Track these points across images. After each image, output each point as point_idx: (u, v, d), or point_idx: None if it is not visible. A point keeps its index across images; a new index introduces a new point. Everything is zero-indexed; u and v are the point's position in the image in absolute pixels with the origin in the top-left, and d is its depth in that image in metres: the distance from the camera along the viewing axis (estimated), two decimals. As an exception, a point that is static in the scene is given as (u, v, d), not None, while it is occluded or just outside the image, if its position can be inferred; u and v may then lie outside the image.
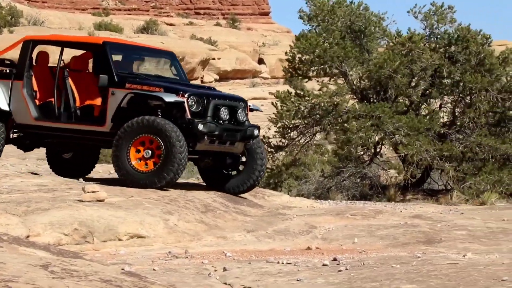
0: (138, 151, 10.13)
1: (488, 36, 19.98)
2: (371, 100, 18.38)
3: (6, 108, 11.06)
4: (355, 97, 19.10)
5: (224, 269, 7.13)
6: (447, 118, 19.29)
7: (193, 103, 10.23)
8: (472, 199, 15.91)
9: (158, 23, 65.52)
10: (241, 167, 11.09)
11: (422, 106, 19.12)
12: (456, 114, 18.82)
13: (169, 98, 10.10)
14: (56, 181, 10.31)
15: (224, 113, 10.53)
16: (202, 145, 10.33)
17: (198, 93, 10.48)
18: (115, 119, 10.36)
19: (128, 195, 9.63)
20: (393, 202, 16.13)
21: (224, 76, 52.90)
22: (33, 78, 11.17)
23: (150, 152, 10.12)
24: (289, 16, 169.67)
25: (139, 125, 10.02)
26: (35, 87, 11.20)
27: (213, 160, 10.83)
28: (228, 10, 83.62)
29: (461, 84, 18.22)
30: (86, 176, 11.87)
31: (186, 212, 9.51)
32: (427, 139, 17.13)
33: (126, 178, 10.21)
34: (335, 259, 7.55)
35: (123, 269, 6.82)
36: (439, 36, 19.92)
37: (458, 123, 18.57)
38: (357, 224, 10.32)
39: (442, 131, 18.17)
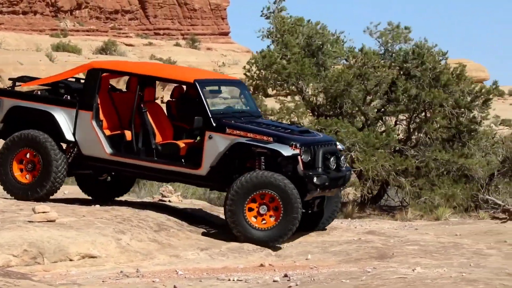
0: (251, 209, 9.74)
1: (444, 53, 20.29)
2: (327, 117, 18.53)
3: (71, 138, 10.53)
4: (311, 113, 19.24)
5: (175, 287, 7.10)
6: (402, 135, 19.49)
7: (306, 155, 9.84)
8: (426, 215, 16.08)
9: (117, 43, 65.47)
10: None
11: (378, 124, 19.30)
12: (411, 129, 19.03)
13: (286, 151, 9.68)
14: (7, 203, 10.18)
15: (332, 162, 10.11)
16: (311, 195, 9.98)
17: (308, 142, 10.01)
18: (214, 165, 9.96)
19: (79, 215, 9.55)
20: (349, 218, 16.20)
21: (184, 96, 52.84)
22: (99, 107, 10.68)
23: (266, 207, 9.73)
24: (248, 36, 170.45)
25: (253, 181, 9.61)
26: (101, 116, 10.68)
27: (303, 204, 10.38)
28: (188, 30, 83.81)
29: (417, 99, 18.44)
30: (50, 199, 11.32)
31: (139, 231, 9.45)
32: (383, 154, 17.29)
33: (244, 238, 9.75)
34: (286, 276, 7.56)
35: (71, 289, 6.78)
36: (393, 54, 20.17)
37: (414, 139, 18.80)
38: (311, 241, 10.34)
39: (398, 147, 18.35)
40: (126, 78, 11.45)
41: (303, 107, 18.89)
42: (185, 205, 12.42)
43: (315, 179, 9.74)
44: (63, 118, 10.52)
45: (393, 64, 19.55)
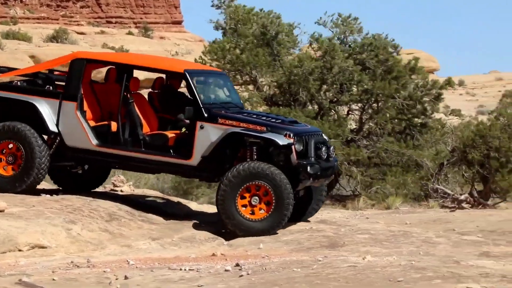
0: (243, 200, 9.72)
1: (397, 45, 20.50)
2: (280, 106, 18.59)
3: (54, 129, 10.34)
4: (265, 103, 19.29)
5: (126, 277, 7.07)
6: (355, 125, 19.65)
7: (299, 144, 9.84)
8: (378, 204, 16.24)
9: (68, 32, 64.69)
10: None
11: (331, 113, 19.42)
12: (364, 120, 19.19)
13: (281, 140, 9.67)
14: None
15: (323, 152, 10.13)
16: (303, 185, 9.98)
17: (300, 132, 10.03)
18: (206, 155, 9.91)
19: (29, 205, 9.45)
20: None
21: (136, 85, 52.48)
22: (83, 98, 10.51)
23: (258, 199, 9.68)
24: (202, 25, 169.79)
25: (246, 173, 9.58)
26: (85, 107, 10.52)
27: None
28: (141, 19, 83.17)
29: (370, 91, 18.60)
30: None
31: (90, 221, 9.39)
32: (336, 144, 17.40)
33: (235, 229, 9.73)
34: (237, 265, 7.58)
35: (20, 279, 6.71)
36: (348, 45, 20.31)
37: (366, 130, 18.96)
38: (263, 230, 10.35)
39: (350, 137, 18.49)
40: (101, 70, 11.35)
41: (257, 96, 18.92)
42: (137, 195, 12.36)
43: (308, 169, 9.74)
44: (46, 109, 10.34)
45: (348, 55, 19.67)
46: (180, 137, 10.40)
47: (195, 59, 20.34)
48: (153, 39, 73.37)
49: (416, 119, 19.28)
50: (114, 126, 10.42)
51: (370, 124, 19.08)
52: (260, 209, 9.70)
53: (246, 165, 9.63)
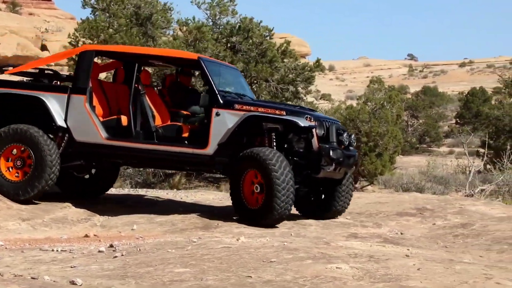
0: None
1: (271, 29, 20.74)
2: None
3: (63, 124, 9.85)
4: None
5: (-5, 259, 6.88)
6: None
7: (320, 129, 9.42)
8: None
9: None
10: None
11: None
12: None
13: (303, 122, 9.24)
14: None
15: (345, 138, 9.76)
16: (324, 172, 9.43)
17: (320, 117, 9.63)
18: (222, 142, 9.47)
19: None
20: (175, 189, 16.30)
21: (4, 62, 50.80)
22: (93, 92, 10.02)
23: (259, 187, 9.21)
24: (73, 2, 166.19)
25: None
26: (94, 102, 10.04)
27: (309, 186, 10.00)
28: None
29: (243, 74, 18.76)
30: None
31: (-44, 201, 9.08)
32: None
33: (241, 217, 9.42)
34: (111, 246, 7.53)
35: None
36: (221, 27, 20.38)
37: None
38: (136, 211, 10.32)
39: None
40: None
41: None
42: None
43: (331, 153, 9.34)
44: (54, 104, 9.88)
45: (220, 37, 19.76)
46: (195, 128, 10.03)
47: (69, 35, 19.88)
48: (22, 16, 71.09)
49: (289, 103, 19.59)
50: (124, 120, 10.05)
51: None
52: (261, 197, 9.25)
53: (249, 150, 9.20)
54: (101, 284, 5.54)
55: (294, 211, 10.20)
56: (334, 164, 9.39)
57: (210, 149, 9.54)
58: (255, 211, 9.21)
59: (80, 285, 5.49)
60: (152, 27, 19.98)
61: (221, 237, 8.20)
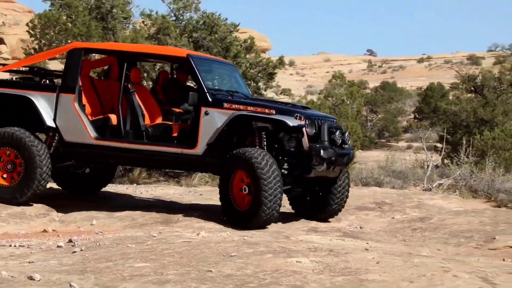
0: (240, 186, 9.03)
1: (236, 24, 20.73)
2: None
3: (52, 124, 9.62)
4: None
5: (-49, 255, 6.80)
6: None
7: (311, 128, 9.18)
8: (212, 181, 16.41)
9: None
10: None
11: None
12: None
13: (292, 122, 8.98)
14: None
15: (337, 137, 9.44)
16: (316, 172, 9.19)
17: (311, 115, 9.33)
18: (211, 142, 9.24)
19: None
20: (135, 184, 16.22)
21: (-40, 55, 50.09)
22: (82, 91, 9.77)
23: (247, 188, 8.92)
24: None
25: (235, 158, 8.91)
26: (83, 101, 9.81)
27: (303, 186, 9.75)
28: (-35, -15, 79.18)
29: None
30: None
31: None
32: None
33: (229, 219, 9.13)
34: (70, 241, 7.48)
35: None
36: (184, 22, 20.30)
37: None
38: (95, 206, 10.27)
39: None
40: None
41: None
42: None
43: (322, 152, 9.11)
44: (42, 104, 9.67)
45: (184, 32, 19.68)
46: (185, 127, 9.85)
47: (27, 25, 19.63)
48: (-21, 8, 70.02)
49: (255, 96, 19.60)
50: (114, 119, 9.84)
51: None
52: (249, 199, 9.00)
53: (240, 150, 8.96)
54: (59, 279, 5.50)
55: (290, 210, 10.19)
56: (325, 164, 9.20)
57: (199, 149, 9.35)
58: (243, 212, 8.99)
59: (39, 280, 5.44)
60: (112, 20, 19.83)
61: (181, 232, 8.19)
